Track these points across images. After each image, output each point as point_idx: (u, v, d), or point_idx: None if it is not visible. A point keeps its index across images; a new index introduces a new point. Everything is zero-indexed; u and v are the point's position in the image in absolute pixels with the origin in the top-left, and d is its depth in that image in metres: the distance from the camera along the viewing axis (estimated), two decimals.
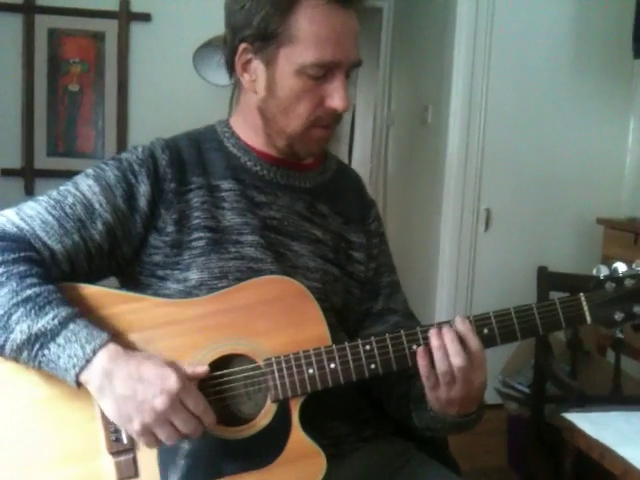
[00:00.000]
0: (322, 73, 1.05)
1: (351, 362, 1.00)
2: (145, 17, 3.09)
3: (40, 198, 1.05)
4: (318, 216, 1.17)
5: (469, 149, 3.30)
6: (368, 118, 4.95)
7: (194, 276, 1.06)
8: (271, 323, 1.01)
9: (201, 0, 3.06)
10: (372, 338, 1.01)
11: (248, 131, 1.16)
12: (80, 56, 3.07)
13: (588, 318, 1.03)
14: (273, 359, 0.99)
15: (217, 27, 2.61)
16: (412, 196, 3.94)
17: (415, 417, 1.12)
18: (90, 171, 1.08)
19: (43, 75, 3.03)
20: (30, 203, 1.05)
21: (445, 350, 0.98)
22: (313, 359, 0.99)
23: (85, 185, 1.06)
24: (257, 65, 1.08)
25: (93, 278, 1.07)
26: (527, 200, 3.37)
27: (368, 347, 1.00)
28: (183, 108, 2.92)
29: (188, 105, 2.95)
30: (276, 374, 0.99)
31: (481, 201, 3.34)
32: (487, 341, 1.01)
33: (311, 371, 0.99)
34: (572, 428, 1.30)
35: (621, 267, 1.04)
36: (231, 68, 1.12)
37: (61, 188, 1.06)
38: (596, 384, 2.28)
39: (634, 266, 1.04)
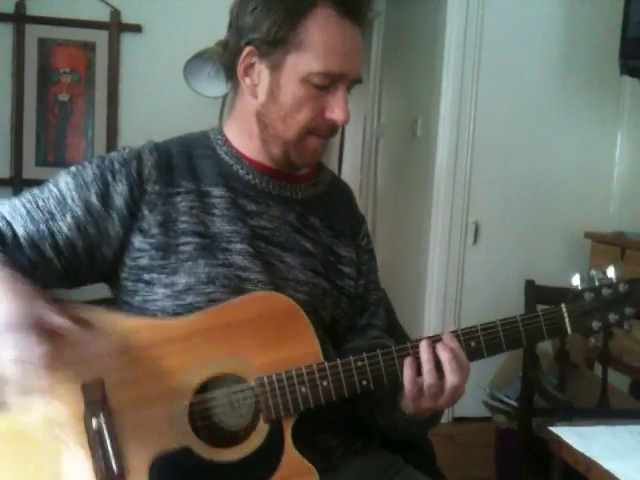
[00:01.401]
0: (327, 83, 1.06)
1: (343, 379, 1.00)
2: (136, 28, 3.09)
3: (22, 194, 1.08)
4: (309, 229, 1.17)
5: (458, 162, 3.32)
6: (358, 130, 4.97)
7: (182, 280, 1.05)
8: (262, 341, 1.00)
9: (192, 12, 3.07)
10: (364, 354, 1.01)
11: (242, 138, 1.15)
12: (70, 66, 3.06)
13: (569, 328, 1.06)
14: (265, 379, 0.98)
15: (208, 39, 2.65)
16: (401, 208, 3.95)
17: (379, 417, 1.12)
18: (73, 168, 1.11)
19: (33, 85, 3.02)
20: (11, 198, 1.08)
21: (435, 364, 0.99)
22: (305, 377, 0.98)
23: (63, 182, 1.08)
24: (261, 69, 1.08)
25: (76, 281, 1.08)
26: (515, 213, 3.39)
27: (360, 363, 1.00)
28: (173, 119, 2.88)
29: (178, 116, 2.93)
30: (269, 394, 0.98)
31: (469, 214, 3.36)
32: (474, 354, 1.03)
33: (304, 389, 0.98)
34: (559, 441, 1.29)
35: (598, 274, 1.07)
36: (231, 71, 1.12)
37: (43, 185, 1.09)
38: (583, 397, 2.28)
39: (608, 272, 1.07)
